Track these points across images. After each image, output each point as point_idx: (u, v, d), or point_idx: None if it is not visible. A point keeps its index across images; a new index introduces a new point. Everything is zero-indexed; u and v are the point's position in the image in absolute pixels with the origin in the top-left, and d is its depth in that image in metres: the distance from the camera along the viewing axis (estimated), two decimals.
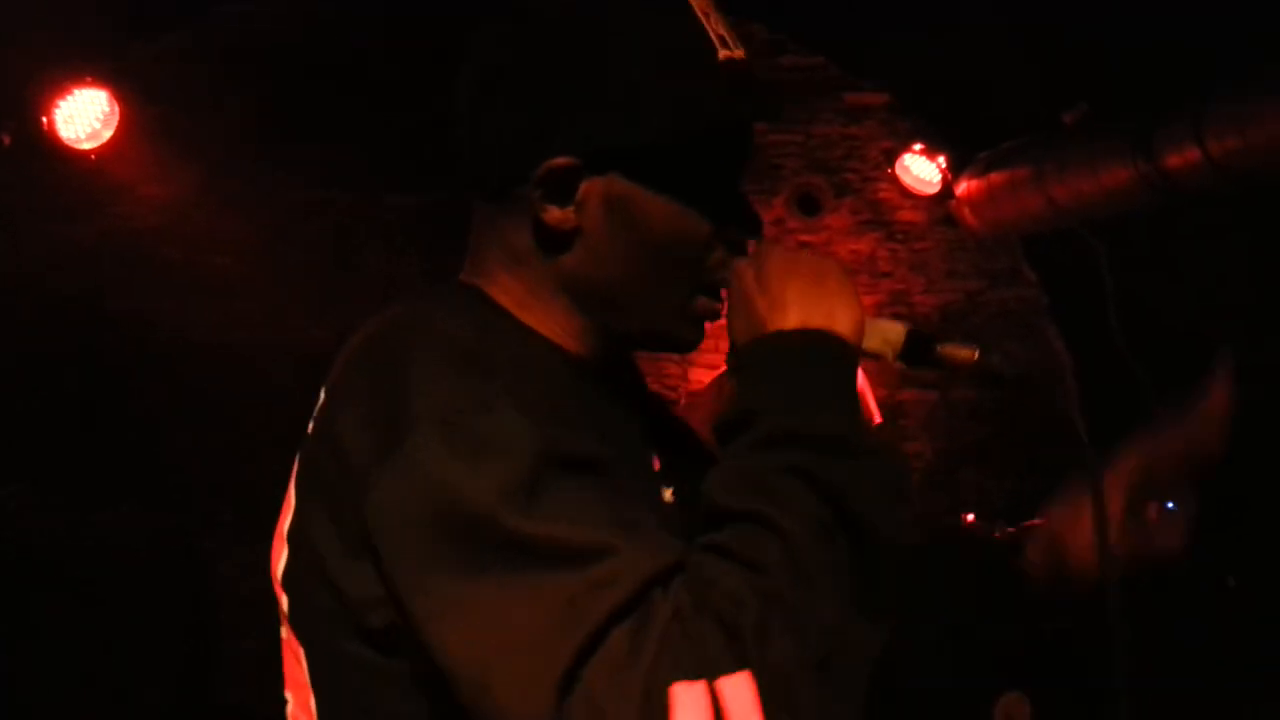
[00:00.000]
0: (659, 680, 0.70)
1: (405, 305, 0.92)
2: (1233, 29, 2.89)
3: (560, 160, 0.89)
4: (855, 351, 0.92)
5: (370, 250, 4.67)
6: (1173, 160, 3.00)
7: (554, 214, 0.91)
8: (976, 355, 0.98)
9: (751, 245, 0.98)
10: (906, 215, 4.80)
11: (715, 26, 0.92)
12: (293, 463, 0.95)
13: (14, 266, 4.34)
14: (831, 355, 0.89)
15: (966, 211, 4.35)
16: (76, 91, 3.65)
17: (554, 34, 0.92)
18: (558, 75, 0.90)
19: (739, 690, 0.70)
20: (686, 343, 1.00)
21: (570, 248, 0.93)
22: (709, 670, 0.70)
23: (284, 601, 0.93)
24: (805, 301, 0.90)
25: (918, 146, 4.44)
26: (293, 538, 0.91)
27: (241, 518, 4.54)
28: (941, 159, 4.40)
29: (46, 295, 4.39)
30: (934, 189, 4.47)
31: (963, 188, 4.33)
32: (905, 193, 4.57)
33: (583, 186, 0.90)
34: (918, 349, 0.99)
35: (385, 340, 0.86)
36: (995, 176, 4.08)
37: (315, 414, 0.91)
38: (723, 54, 0.91)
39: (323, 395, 0.91)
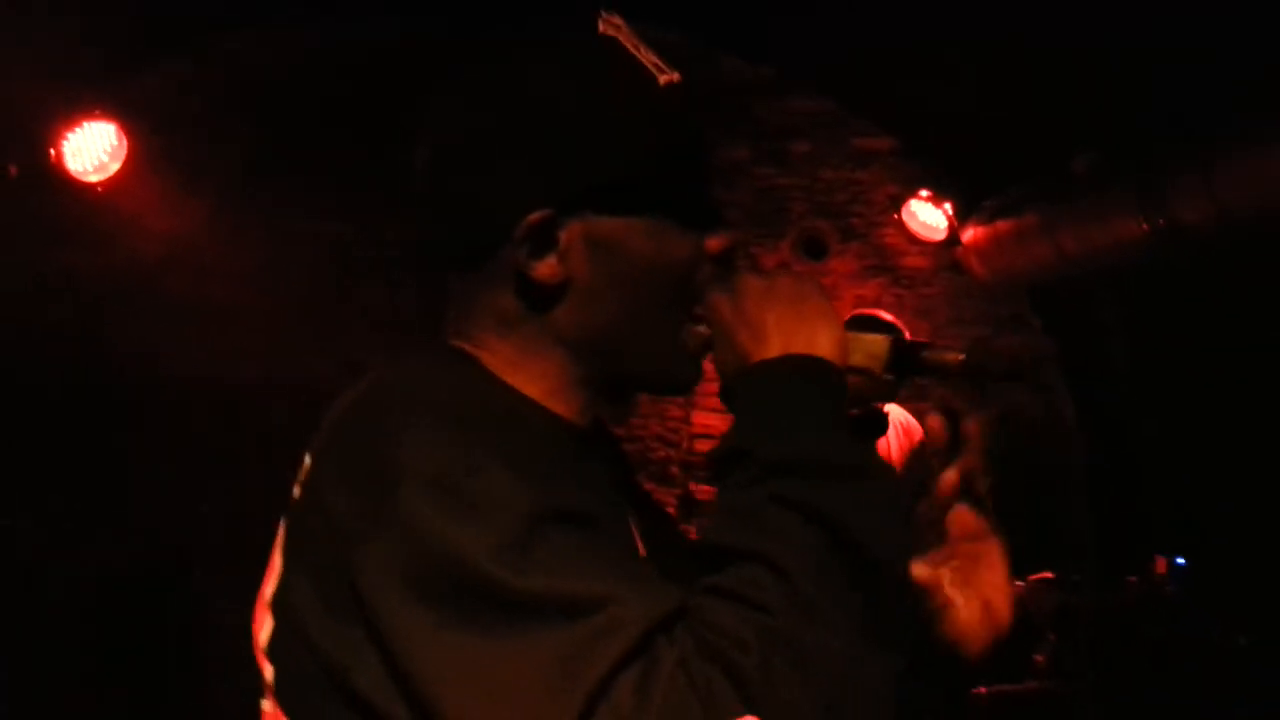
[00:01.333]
0: None
1: (391, 368, 0.92)
2: (1244, 79, 2.90)
3: (536, 214, 0.90)
4: (840, 373, 0.91)
5: (369, 284, 4.67)
6: (1183, 213, 2.99)
7: (542, 268, 0.91)
8: (963, 357, 0.97)
9: (737, 262, 1.00)
10: (912, 261, 4.80)
11: (647, 57, 0.96)
12: (278, 525, 0.93)
13: (16, 295, 4.33)
14: (817, 380, 0.89)
15: (973, 258, 4.34)
16: (86, 124, 3.66)
17: (501, 100, 0.94)
18: (512, 137, 0.92)
19: None
20: (686, 383, 1.00)
21: (562, 299, 0.93)
22: (715, 716, 0.70)
23: (268, 672, 0.90)
24: (785, 327, 0.91)
25: (924, 192, 4.44)
26: (277, 606, 0.89)
27: (232, 551, 4.51)
28: (948, 205, 4.40)
29: (48, 325, 4.39)
30: (940, 235, 4.46)
31: (969, 234, 4.33)
32: (911, 238, 4.57)
33: (562, 235, 0.91)
34: (904, 359, 0.98)
35: (372, 405, 0.86)
36: (1002, 224, 4.08)
37: (301, 479, 0.89)
38: (662, 79, 0.95)
39: (308, 460, 0.89)
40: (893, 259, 4.80)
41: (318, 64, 4.58)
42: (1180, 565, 3.29)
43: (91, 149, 3.70)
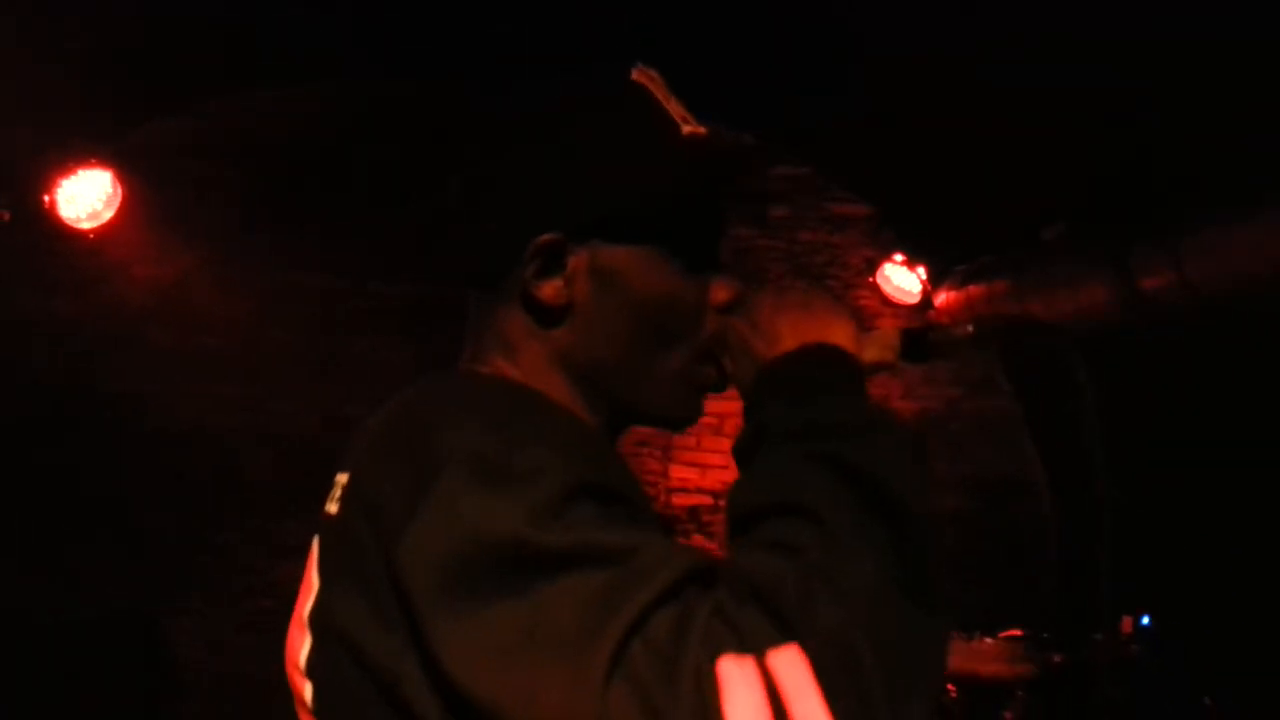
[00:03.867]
0: (706, 658, 0.67)
1: (418, 388, 0.93)
2: (1211, 150, 2.99)
3: (546, 237, 0.94)
4: (856, 358, 0.94)
5: (356, 335, 4.70)
6: (1149, 282, 3.08)
7: (546, 289, 0.95)
8: (972, 330, 1.03)
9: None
10: (886, 323, 4.90)
11: (675, 109, 1.00)
12: (309, 547, 0.95)
13: (3, 340, 4.34)
14: (833, 360, 0.92)
15: (945, 321, 4.43)
16: (81, 172, 3.68)
17: (527, 134, 0.99)
18: (538, 168, 0.97)
19: (791, 664, 0.67)
20: (683, 416, 1.03)
21: (565, 322, 0.96)
22: (756, 646, 0.68)
23: (306, 690, 0.91)
24: (799, 328, 0.94)
25: (899, 257, 4.55)
26: (316, 622, 0.89)
27: (208, 604, 4.49)
28: (921, 270, 4.50)
29: (34, 370, 4.39)
30: (914, 299, 4.56)
31: (942, 298, 4.42)
32: (886, 301, 4.66)
33: (571, 261, 0.95)
34: (916, 345, 1.03)
35: (410, 415, 0.88)
36: (974, 289, 4.17)
37: (337, 496, 0.91)
38: (686, 130, 0.99)
39: (344, 477, 0.91)
40: (867, 321, 4.89)
41: (308, 120, 4.65)
42: (1145, 625, 3.34)
43: (86, 196, 3.72)
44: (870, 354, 0.99)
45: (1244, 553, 3.38)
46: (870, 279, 4.68)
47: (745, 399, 0.95)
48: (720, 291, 1.01)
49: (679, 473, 4.77)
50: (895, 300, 4.62)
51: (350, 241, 4.66)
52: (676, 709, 0.66)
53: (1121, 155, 3.32)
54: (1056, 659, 3.24)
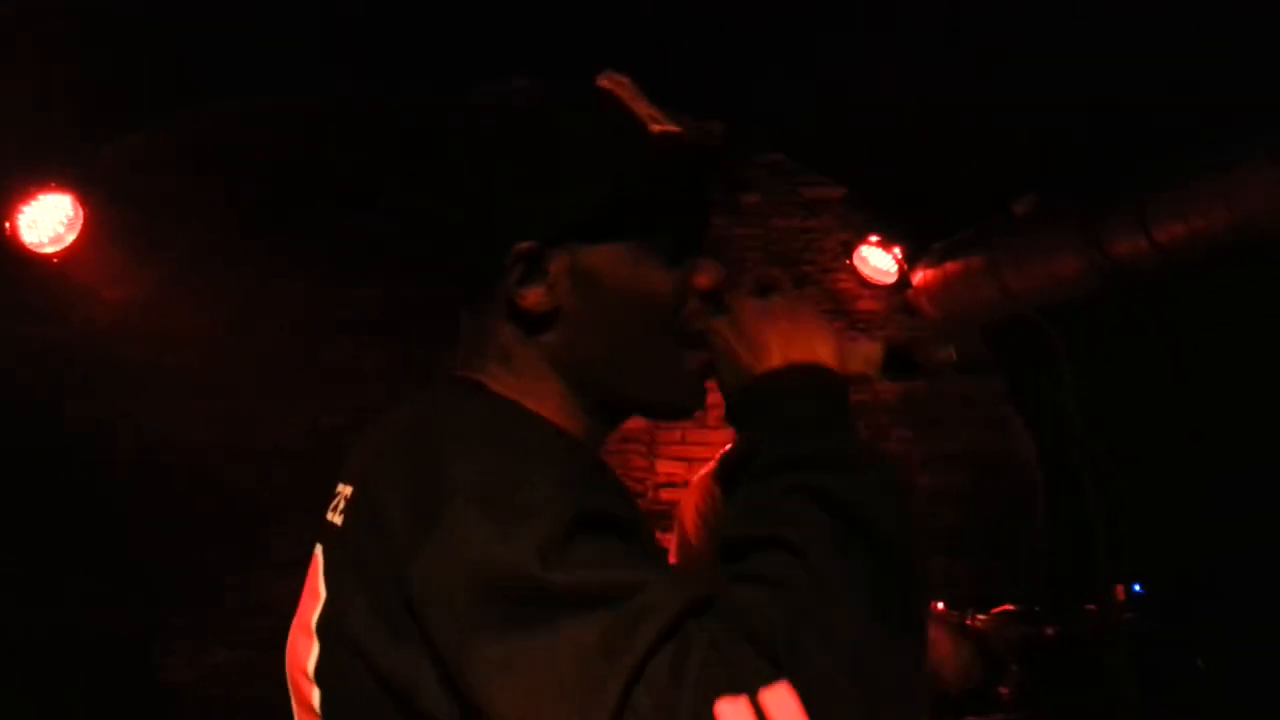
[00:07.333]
0: (703, 702, 0.71)
1: (424, 405, 0.95)
2: (1171, 111, 2.99)
3: (524, 245, 0.96)
4: (840, 376, 0.97)
5: (333, 345, 4.67)
6: (1120, 248, 3.07)
7: (530, 296, 0.97)
8: (954, 355, 1.05)
9: (728, 296, 1.05)
10: (866, 305, 4.88)
11: (644, 109, 1.02)
12: (304, 556, 0.97)
13: None
14: (818, 383, 0.95)
15: (924, 300, 4.43)
16: (41, 196, 3.66)
17: (506, 150, 1.00)
18: (513, 180, 0.98)
19: (781, 700, 0.71)
20: (685, 406, 1.05)
21: (553, 327, 0.99)
22: (748, 685, 0.71)
23: (314, 694, 0.93)
24: (784, 341, 0.97)
25: (874, 238, 4.54)
26: (324, 630, 0.91)
27: (193, 621, 4.46)
28: (897, 250, 4.49)
29: (5, 397, 4.35)
30: (891, 279, 4.55)
31: (919, 277, 4.42)
32: (864, 282, 4.65)
33: (551, 267, 0.97)
34: (899, 362, 1.05)
35: (418, 436, 0.89)
36: (950, 266, 4.17)
37: (341, 508, 0.93)
38: (655, 127, 1.00)
39: (349, 489, 0.93)
40: (847, 304, 4.88)
41: (275, 129, 4.62)
42: (1138, 593, 3.34)
43: (47, 220, 3.70)
44: (853, 366, 1.01)
45: (1231, 515, 3.37)
46: (847, 261, 4.67)
47: (729, 410, 0.98)
48: (703, 277, 1.03)
49: (665, 468, 4.75)
50: (873, 281, 4.61)
51: (322, 249, 4.63)
52: None
53: (1088, 123, 3.31)
54: (1049, 631, 3.22)
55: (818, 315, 1.00)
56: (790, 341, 0.97)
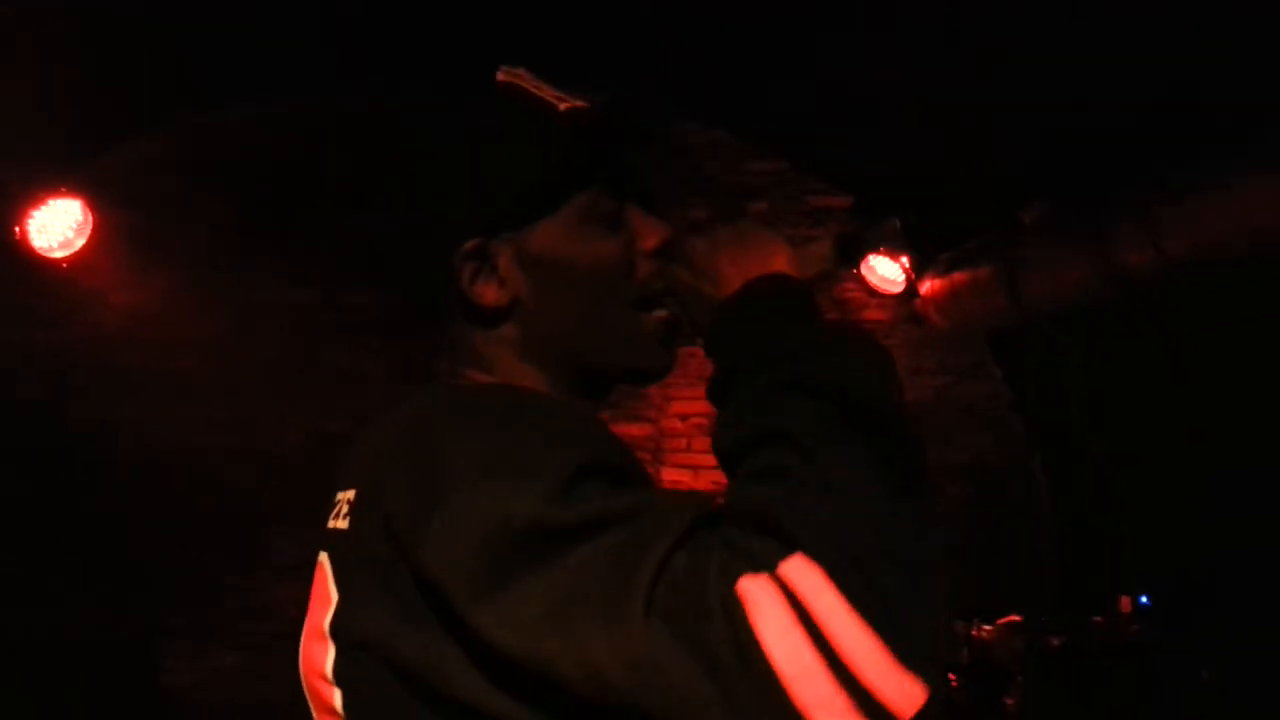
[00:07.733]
0: (726, 585, 0.72)
1: (416, 406, 0.96)
2: (1172, 111, 2.98)
3: (467, 245, 1.01)
4: (800, 280, 0.99)
5: (334, 349, 4.67)
6: (1129, 257, 3.06)
7: (486, 292, 1.01)
8: (898, 225, 1.13)
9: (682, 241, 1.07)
10: (873, 314, 4.88)
11: (548, 93, 1.05)
12: (314, 565, 0.98)
13: None
14: (779, 289, 0.96)
15: (931, 310, 4.41)
16: (51, 201, 3.67)
17: (441, 166, 1.06)
18: (446, 193, 1.05)
19: (801, 569, 0.72)
20: (655, 369, 1.07)
21: (514, 316, 1.02)
22: (767, 563, 0.73)
23: (335, 696, 0.93)
24: (739, 265, 0.99)
25: (881, 247, 4.52)
26: (339, 632, 0.92)
27: (193, 623, 4.46)
28: (905, 259, 4.48)
29: (12, 400, 4.37)
30: (899, 288, 4.54)
31: (927, 286, 4.40)
32: (871, 291, 4.64)
33: (500, 262, 1.01)
34: (849, 249, 1.09)
35: (416, 431, 0.90)
36: (958, 275, 4.15)
37: (344, 513, 0.94)
38: (562, 106, 1.04)
39: (350, 494, 0.94)
40: (854, 312, 4.87)
41: (276, 131, 4.63)
42: (1144, 604, 3.32)
43: (57, 225, 3.71)
44: (809, 269, 1.04)
45: (1231, 515, 3.35)
46: (855, 270, 4.65)
47: (707, 345, 0.99)
48: (649, 238, 1.05)
49: (671, 475, 4.74)
50: (881, 290, 4.59)
51: (323, 252, 4.63)
52: (714, 635, 0.71)
53: (1089, 124, 3.31)
54: (1055, 642, 3.22)
55: (764, 231, 1.02)
56: (745, 263, 0.98)
